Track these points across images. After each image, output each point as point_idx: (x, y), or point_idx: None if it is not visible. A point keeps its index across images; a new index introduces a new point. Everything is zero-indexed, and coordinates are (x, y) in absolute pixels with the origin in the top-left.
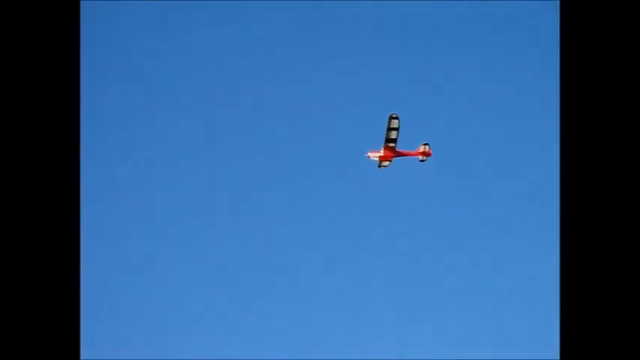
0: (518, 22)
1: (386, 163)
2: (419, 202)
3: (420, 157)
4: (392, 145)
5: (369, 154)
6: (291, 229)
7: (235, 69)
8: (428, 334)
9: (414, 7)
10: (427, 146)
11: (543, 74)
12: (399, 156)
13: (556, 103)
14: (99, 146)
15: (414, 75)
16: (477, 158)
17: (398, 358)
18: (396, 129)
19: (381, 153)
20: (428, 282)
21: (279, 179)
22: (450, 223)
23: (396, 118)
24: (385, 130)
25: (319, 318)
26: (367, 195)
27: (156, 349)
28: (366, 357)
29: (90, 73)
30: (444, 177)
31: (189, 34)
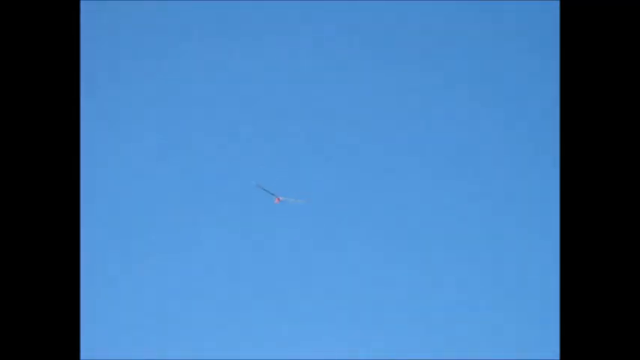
0: (518, 22)
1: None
2: (418, 200)
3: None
4: (274, 196)
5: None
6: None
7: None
8: (428, 334)
9: (412, 7)
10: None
11: (543, 74)
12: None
13: (556, 104)
14: (99, 146)
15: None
16: (477, 157)
17: (398, 358)
18: (264, 190)
19: (275, 199)
20: (428, 282)
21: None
22: (450, 223)
23: (259, 187)
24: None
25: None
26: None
27: (156, 349)
28: (368, 357)
29: (89, 73)
30: (444, 175)
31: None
